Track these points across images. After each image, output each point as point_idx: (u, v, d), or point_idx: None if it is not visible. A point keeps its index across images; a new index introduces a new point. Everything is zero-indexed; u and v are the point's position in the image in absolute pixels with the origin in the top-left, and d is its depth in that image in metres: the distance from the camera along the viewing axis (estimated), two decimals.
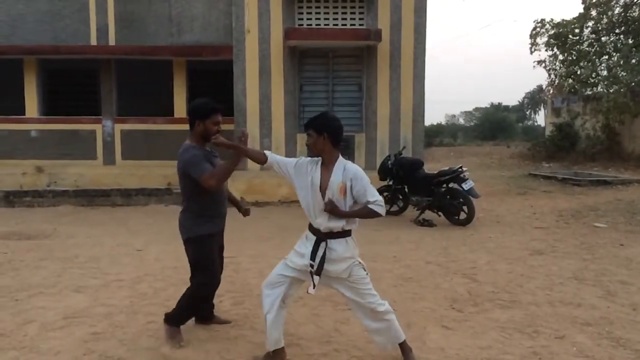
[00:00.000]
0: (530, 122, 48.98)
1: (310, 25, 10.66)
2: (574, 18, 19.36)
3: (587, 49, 19.05)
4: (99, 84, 11.79)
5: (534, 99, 48.78)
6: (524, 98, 52.12)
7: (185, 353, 3.48)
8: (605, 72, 18.22)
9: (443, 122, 51.43)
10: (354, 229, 3.26)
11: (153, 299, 4.61)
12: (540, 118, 48.41)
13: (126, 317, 4.18)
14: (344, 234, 3.20)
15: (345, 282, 3.22)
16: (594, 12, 19.15)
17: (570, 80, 19.24)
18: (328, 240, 3.18)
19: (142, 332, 3.85)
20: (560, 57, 19.95)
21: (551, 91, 23.18)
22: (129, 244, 6.92)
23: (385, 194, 9.04)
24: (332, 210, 3.12)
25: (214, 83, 12.24)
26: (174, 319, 3.67)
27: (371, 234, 7.52)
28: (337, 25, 10.70)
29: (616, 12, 18.90)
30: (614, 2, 18.75)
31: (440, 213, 8.56)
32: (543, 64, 20.86)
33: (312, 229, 3.26)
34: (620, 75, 16.52)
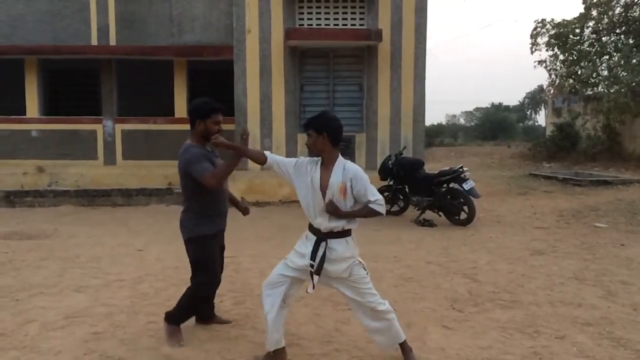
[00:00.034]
0: (530, 122, 48.95)
1: (311, 25, 10.67)
2: (574, 18, 19.35)
3: (587, 49, 19.04)
4: (99, 84, 11.79)
5: (535, 99, 48.74)
6: (524, 98, 52.09)
7: (186, 353, 3.48)
8: (605, 72, 18.21)
9: (444, 122, 51.50)
10: (354, 229, 3.26)
11: (154, 299, 4.62)
12: (541, 118, 48.35)
13: (127, 317, 4.18)
14: (344, 233, 3.21)
15: (345, 282, 3.23)
16: (594, 12, 19.14)
17: (571, 80, 19.23)
18: (328, 240, 3.18)
19: (143, 332, 3.85)
20: (561, 57, 19.93)
21: (552, 91, 23.17)
22: (129, 244, 6.92)
23: (385, 194, 9.04)
24: (333, 211, 3.12)
25: (215, 83, 12.24)
26: (174, 318, 3.68)
27: (372, 234, 7.53)
28: (337, 25, 10.70)
29: (617, 12, 18.90)
30: (615, 2, 18.74)
31: (440, 213, 8.56)
32: (544, 64, 20.85)
33: (312, 229, 3.26)
34: (621, 75, 16.51)
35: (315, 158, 3.26)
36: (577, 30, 19.22)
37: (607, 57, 18.70)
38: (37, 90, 11.62)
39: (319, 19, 10.70)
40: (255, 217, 8.93)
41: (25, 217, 9.12)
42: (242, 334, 3.84)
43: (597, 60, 18.59)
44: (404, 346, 3.35)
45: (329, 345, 3.65)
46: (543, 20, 20.03)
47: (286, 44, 10.47)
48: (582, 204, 9.95)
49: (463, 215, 8.29)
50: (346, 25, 10.71)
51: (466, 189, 8.15)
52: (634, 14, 18.53)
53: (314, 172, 3.21)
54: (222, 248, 3.92)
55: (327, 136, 3.16)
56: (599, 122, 18.13)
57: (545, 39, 19.99)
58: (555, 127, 20.31)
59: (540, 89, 39.69)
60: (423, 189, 8.62)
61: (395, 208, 9.26)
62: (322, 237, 3.19)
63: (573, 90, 19.38)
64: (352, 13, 10.73)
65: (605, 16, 18.82)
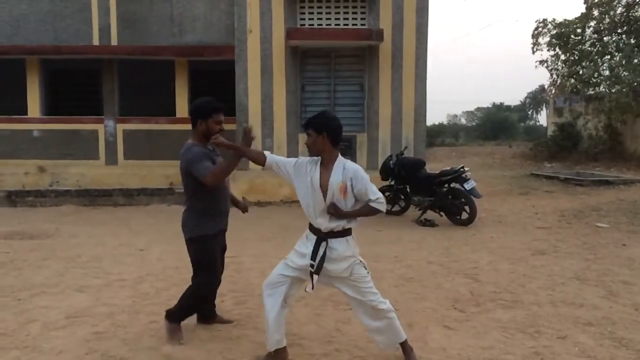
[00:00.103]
0: (532, 122, 48.92)
1: (312, 25, 10.67)
2: (576, 18, 19.33)
3: (589, 48, 19.01)
4: (101, 84, 11.80)
5: (536, 98, 48.72)
6: (526, 98, 52.07)
7: (187, 352, 3.48)
8: (607, 72, 18.19)
9: (445, 122, 51.40)
10: (354, 228, 3.26)
11: (155, 299, 4.62)
12: (542, 118, 48.37)
13: (128, 316, 4.19)
14: (345, 233, 3.21)
15: (346, 281, 3.23)
16: (596, 12, 19.11)
17: (573, 80, 19.21)
18: (329, 240, 3.19)
19: (144, 332, 3.85)
20: (563, 57, 19.91)
21: (553, 91, 23.15)
22: (131, 244, 6.93)
23: (387, 194, 9.04)
24: (335, 213, 3.13)
25: (216, 83, 12.24)
26: (175, 316, 3.69)
27: (373, 234, 7.52)
28: (339, 25, 10.69)
29: (618, 12, 18.87)
30: (616, 2, 18.71)
31: (442, 213, 8.55)
32: (545, 64, 20.82)
33: (313, 229, 3.27)
34: (623, 75, 16.49)
35: (315, 158, 3.26)
36: (579, 30, 19.20)
37: (609, 57, 18.68)
38: (38, 90, 11.64)
39: (320, 18, 10.70)
40: (257, 217, 8.94)
41: (27, 217, 9.14)
42: (244, 333, 3.84)
43: (599, 60, 18.57)
44: (404, 346, 3.34)
45: (329, 345, 3.65)
46: (544, 20, 20.02)
47: (287, 43, 10.47)
48: (584, 204, 9.94)
49: (464, 215, 8.28)
50: (347, 25, 10.71)
51: (467, 189, 8.14)
52: (636, 13, 18.50)
53: (313, 172, 3.21)
54: (224, 249, 3.92)
55: (326, 136, 3.16)
56: (600, 122, 18.10)
57: (547, 38, 19.98)
58: (557, 127, 20.27)
59: (542, 88, 39.71)
60: (424, 189, 8.62)
61: (396, 208, 9.26)
62: (322, 236, 3.19)
63: (574, 90, 19.36)
64: (353, 13, 10.73)
65: (606, 16, 18.80)
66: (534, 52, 20.82)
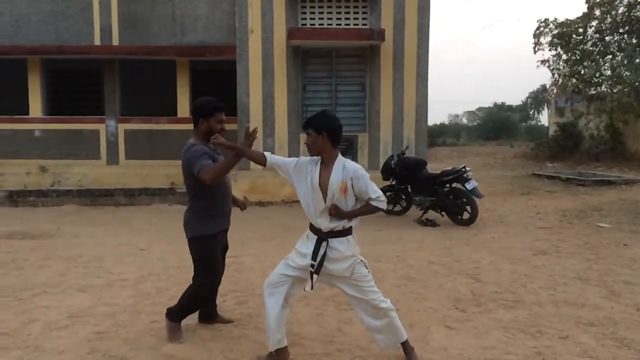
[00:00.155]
0: (533, 122, 48.96)
1: (314, 25, 10.67)
2: (577, 17, 19.29)
3: (590, 48, 18.98)
4: (102, 84, 11.81)
5: (538, 98, 48.74)
6: (527, 98, 52.11)
7: (189, 352, 3.48)
8: (609, 72, 18.16)
9: (446, 122, 51.45)
10: (354, 227, 3.27)
11: (156, 299, 4.62)
12: (544, 118, 48.41)
13: (129, 316, 4.19)
14: (345, 232, 3.21)
15: (347, 280, 3.23)
16: (597, 12, 19.08)
17: (574, 80, 19.17)
18: (329, 240, 3.19)
19: (146, 332, 3.86)
20: (564, 56, 19.87)
21: (555, 91, 23.13)
22: (132, 244, 6.93)
23: (388, 193, 9.03)
24: (336, 214, 3.13)
25: (217, 83, 12.25)
26: (175, 315, 3.70)
27: (374, 234, 7.52)
28: (340, 25, 10.70)
29: (620, 11, 18.84)
30: (618, 1, 18.68)
31: (443, 213, 8.54)
32: (547, 64, 20.81)
33: (313, 229, 3.27)
34: (624, 75, 16.47)
35: (316, 158, 3.27)
36: (580, 30, 19.17)
37: (610, 56, 18.66)
38: (40, 90, 11.65)
39: (322, 18, 10.70)
40: (258, 217, 8.95)
41: (28, 217, 9.15)
42: (245, 333, 3.84)
43: (600, 59, 18.54)
44: (405, 346, 3.34)
45: (331, 345, 3.65)
46: (546, 19, 20.00)
47: (289, 43, 10.47)
48: (585, 204, 9.92)
49: (466, 215, 8.28)
50: (349, 25, 10.71)
51: (469, 188, 8.14)
52: (637, 13, 18.46)
53: (313, 172, 3.21)
54: (226, 248, 3.93)
55: (326, 136, 3.16)
56: (602, 122, 18.08)
57: (548, 38, 19.95)
58: (558, 126, 20.25)
59: (543, 88, 39.71)
60: (426, 189, 8.61)
61: (397, 208, 9.25)
62: (323, 236, 3.20)
63: (576, 89, 19.32)
64: (354, 13, 10.73)
65: (608, 16, 18.77)
66: (535, 52, 20.81)
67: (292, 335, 3.67)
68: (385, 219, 8.76)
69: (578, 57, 18.98)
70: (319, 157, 3.24)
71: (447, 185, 8.44)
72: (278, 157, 3.36)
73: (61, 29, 11.59)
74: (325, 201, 3.15)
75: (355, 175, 3.14)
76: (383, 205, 3.20)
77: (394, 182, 9.17)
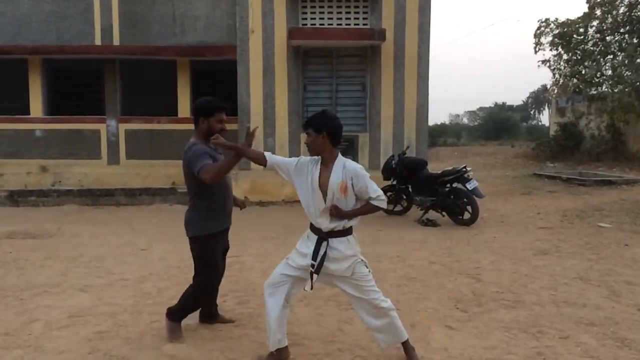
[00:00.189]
0: (534, 122, 48.90)
1: (314, 25, 10.67)
2: (578, 17, 19.29)
3: (591, 48, 18.98)
4: (103, 84, 11.82)
5: (538, 98, 48.69)
6: (528, 98, 52.05)
7: (189, 352, 3.48)
8: (609, 72, 18.15)
9: (447, 122, 51.37)
10: (355, 227, 3.27)
11: (157, 298, 4.62)
12: (545, 118, 48.36)
13: (130, 316, 4.19)
14: (345, 232, 3.22)
15: (348, 280, 3.23)
16: (598, 12, 19.07)
17: (575, 80, 19.17)
18: (330, 239, 3.19)
19: (146, 331, 3.86)
20: (565, 56, 19.87)
21: (555, 91, 23.12)
22: (133, 244, 6.93)
23: (389, 193, 9.03)
24: (337, 214, 3.13)
25: (218, 83, 12.26)
26: (176, 315, 3.71)
27: (375, 233, 7.52)
28: (341, 25, 10.69)
29: (621, 11, 18.83)
30: (619, 1, 18.68)
31: (444, 213, 8.54)
32: (547, 64, 20.80)
33: (314, 228, 3.27)
34: (625, 74, 16.46)
35: (316, 157, 3.27)
36: (581, 30, 19.16)
37: (611, 56, 18.65)
38: (41, 90, 11.66)
39: (322, 18, 10.70)
40: (258, 216, 8.94)
41: (29, 217, 9.16)
42: (245, 333, 3.84)
43: (601, 59, 18.53)
44: (406, 345, 3.34)
45: (332, 344, 3.65)
46: (547, 19, 20.00)
47: (289, 43, 10.47)
48: (586, 204, 9.91)
49: (466, 215, 8.27)
50: (349, 24, 10.71)
51: (469, 188, 8.13)
52: (638, 13, 18.46)
53: (313, 172, 3.21)
54: (227, 248, 3.93)
55: (326, 135, 3.16)
56: (603, 122, 18.06)
57: (549, 38, 19.95)
58: (559, 126, 20.23)
59: (544, 88, 39.67)
60: (426, 189, 8.61)
61: (398, 208, 9.25)
62: (323, 236, 3.20)
63: (577, 89, 19.31)
64: (355, 13, 10.73)
65: (609, 15, 18.76)
66: (536, 52, 20.82)
67: (293, 335, 3.67)
68: (385, 219, 8.76)
69: (579, 57, 18.98)
70: (319, 157, 3.24)
71: (448, 185, 8.44)
72: (278, 157, 3.36)
73: (62, 29, 11.59)
74: (325, 201, 3.15)
75: (356, 174, 3.14)
76: (383, 204, 3.21)
77: (394, 182, 9.17)
